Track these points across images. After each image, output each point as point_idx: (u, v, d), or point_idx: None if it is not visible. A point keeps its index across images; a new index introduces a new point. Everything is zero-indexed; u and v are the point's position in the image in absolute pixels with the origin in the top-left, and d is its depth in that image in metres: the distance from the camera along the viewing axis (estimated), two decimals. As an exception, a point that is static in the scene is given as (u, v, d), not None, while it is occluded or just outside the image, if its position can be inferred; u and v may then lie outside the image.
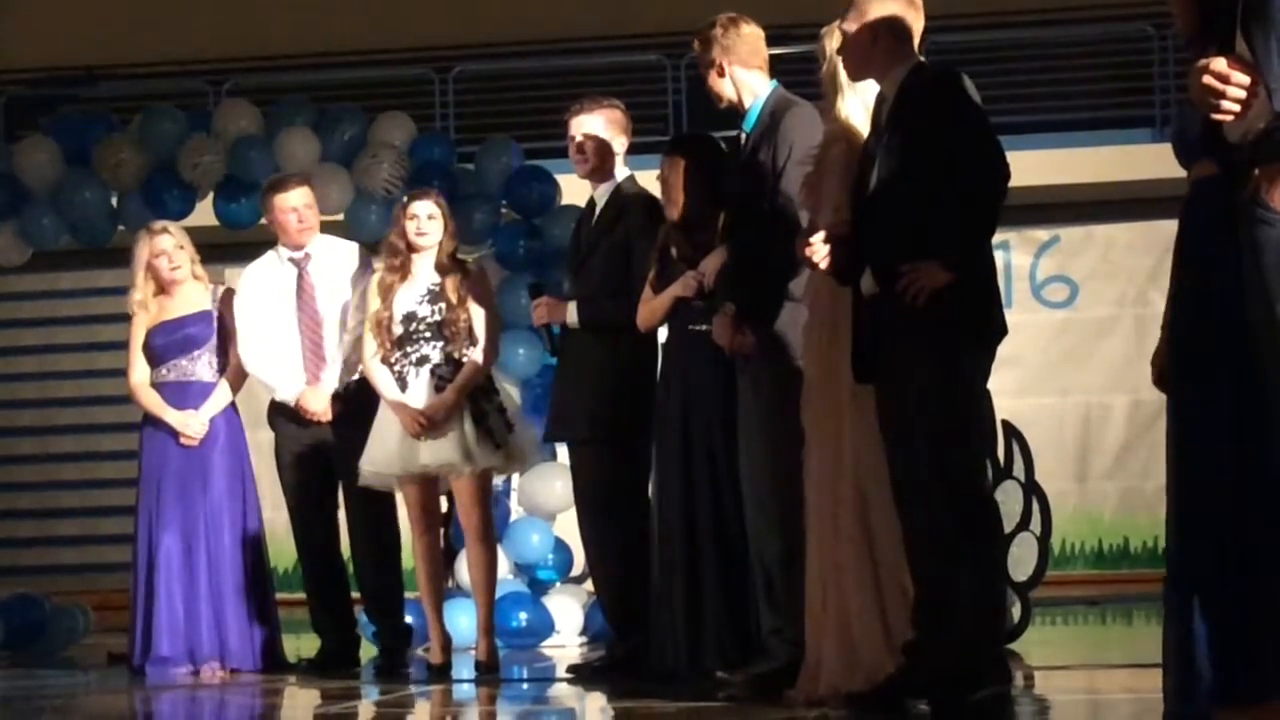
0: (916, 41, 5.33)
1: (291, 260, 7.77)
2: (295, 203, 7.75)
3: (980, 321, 5.12)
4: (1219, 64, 3.88)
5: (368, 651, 7.91)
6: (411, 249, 7.20)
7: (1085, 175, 13.68)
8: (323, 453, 7.69)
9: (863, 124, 5.51)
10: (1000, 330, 5.17)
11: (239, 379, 7.79)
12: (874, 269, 5.11)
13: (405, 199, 7.34)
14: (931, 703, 5.06)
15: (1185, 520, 4.30)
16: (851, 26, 5.30)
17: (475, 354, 7.16)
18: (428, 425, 7.05)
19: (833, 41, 5.57)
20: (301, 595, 7.95)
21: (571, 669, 7.08)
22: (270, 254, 7.84)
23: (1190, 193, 4.37)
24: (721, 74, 6.16)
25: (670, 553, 6.58)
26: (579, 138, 7.17)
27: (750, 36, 6.18)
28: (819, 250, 5.30)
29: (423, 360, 7.15)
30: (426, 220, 7.20)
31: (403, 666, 7.63)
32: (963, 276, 5.01)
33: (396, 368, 7.16)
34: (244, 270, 7.92)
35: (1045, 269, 14.36)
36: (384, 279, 7.21)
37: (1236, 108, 3.89)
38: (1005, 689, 5.16)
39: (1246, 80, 3.87)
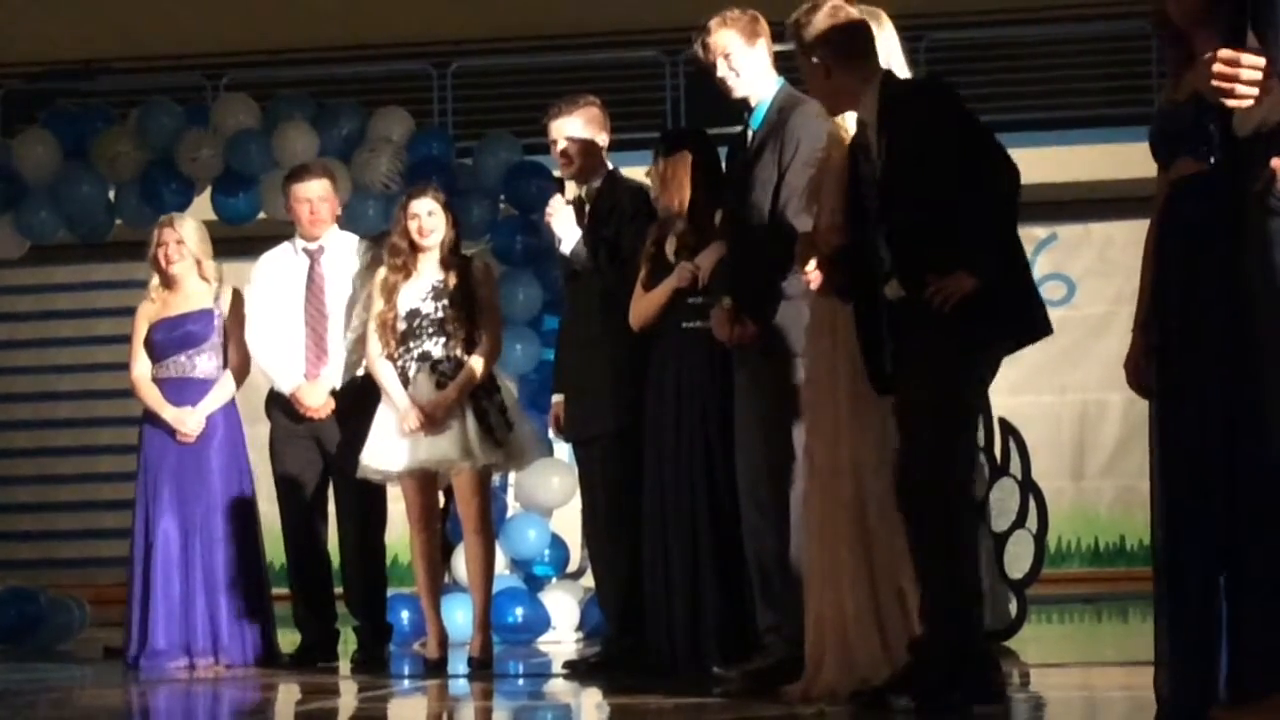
0: (880, 45, 5.26)
1: (305, 251, 7.81)
2: (309, 194, 7.77)
3: (1016, 317, 5.10)
4: (1226, 52, 3.88)
5: (345, 647, 7.93)
6: (415, 248, 7.20)
7: (1083, 173, 13.70)
8: (317, 447, 7.72)
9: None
10: (1042, 325, 5.14)
11: (241, 375, 7.79)
12: (904, 281, 5.06)
13: (405, 197, 7.33)
14: (916, 700, 5.05)
15: (1174, 518, 4.30)
16: (803, 64, 5.22)
17: (478, 351, 7.16)
18: (428, 422, 7.05)
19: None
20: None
21: (567, 665, 7.08)
22: (286, 244, 7.88)
23: (1171, 191, 4.34)
24: (732, 66, 6.16)
25: (668, 550, 6.58)
26: (561, 142, 7.19)
27: (764, 33, 6.20)
28: (814, 278, 5.31)
29: (424, 356, 7.14)
30: (428, 217, 7.20)
31: (382, 663, 7.65)
32: (992, 279, 4.97)
33: (399, 363, 7.16)
34: (245, 262, 7.95)
35: (1042, 267, 14.37)
36: (387, 279, 7.21)
37: (1253, 91, 3.88)
38: (999, 688, 5.15)
39: (1260, 61, 3.86)
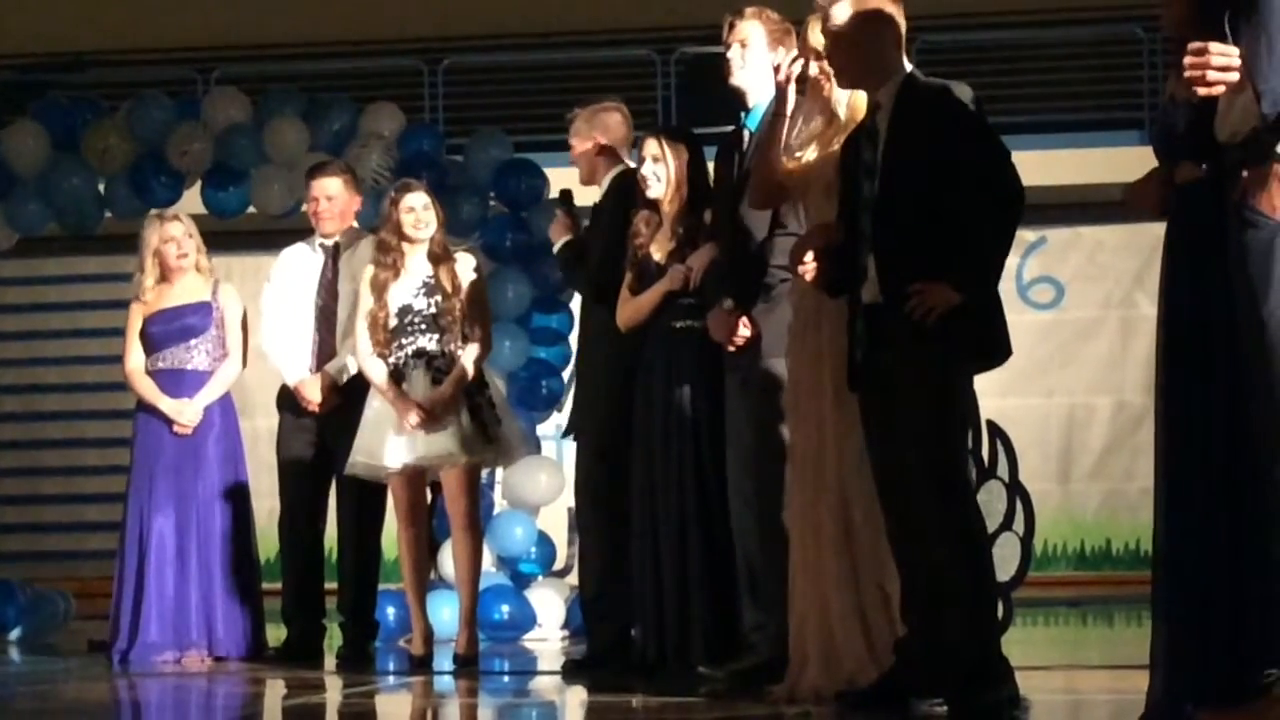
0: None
1: (322, 247, 7.85)
2: (317, 191, 7.84)
3: (986, 343, 5.09)
4: (1195, 44, 3.92)
5: (330, 642, 7.92)
6: (406, 240, 7.18)
7: (1073, 177, 13.69)
8: (320, 442, 7.73)
9: (851, 124, 5.49)
10: (1005, 352, 5.14)
11: (237, 368, 7.79)
12: (883, 282, 5.08)
13: (394, 192, 7.32)
14: (949, 703, 5.05)
15: (1176, 519, 4.31)
16: (846, 24, 5.18)
17: (470, 347, 7.16)
18: (427, 419, 7.04)
19: (815, 34, 5.53)
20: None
21: (565, 667, 7.05)
22: (308, 240, 7.94)
23: (1176, 196, 4.36)
24: (744, 57, 6.15)
25: (656, 548, 6.58)
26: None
27: (790, 47, 6.18)
28: (809, 269, 5.29)
29: (420, 353, 7.13)
30: (423, 211, 7.20)
31: (367, 659, 7.65)
32: (974, 298, 4.98)
33: (392, 360, 7.15)
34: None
35: (1032, 270, 14.37)
36: (377, 276, 7.20)
37: (1224, 77, 3.91)
38: (1014, 691, 5.14)
39: (1229, 49, 3.90)
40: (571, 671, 6.89)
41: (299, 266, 7.89)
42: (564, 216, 7.28)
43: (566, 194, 7.38)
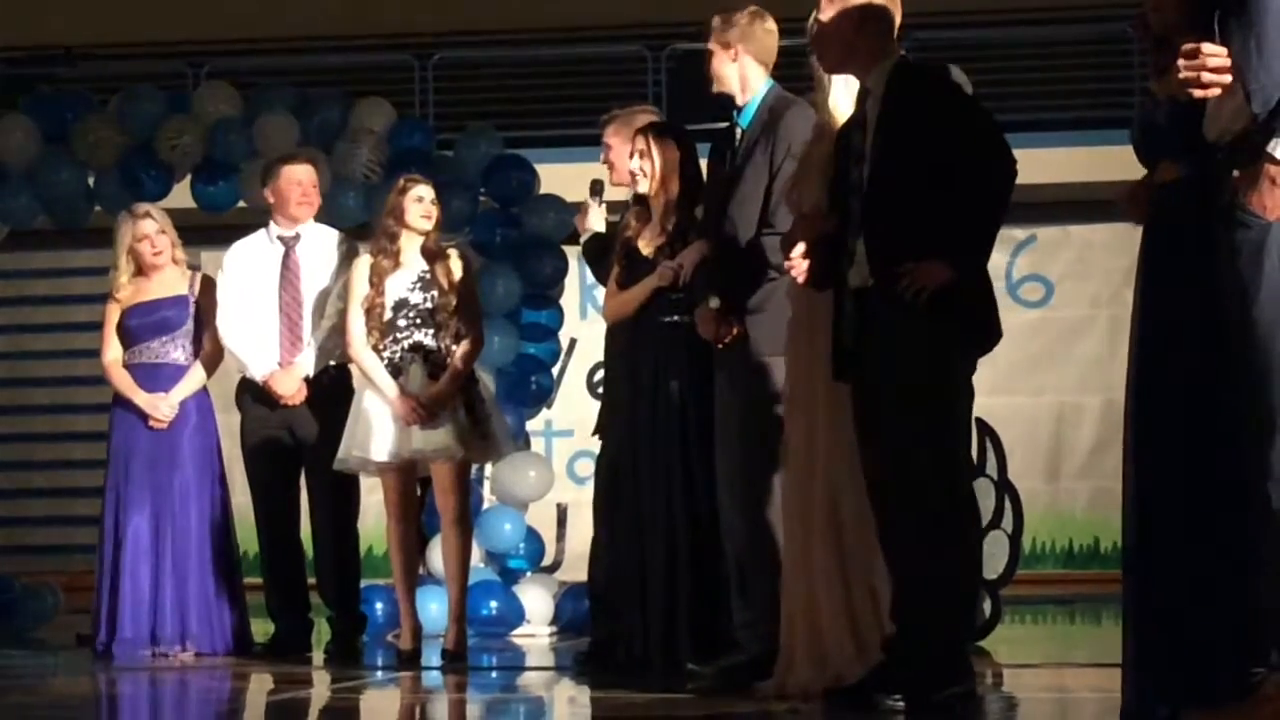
0: (896, 36, 5.30)
1: (280, 239, 7.78)
2: (302, 176, 7.76)
3: (978, 323, 5.09)
4: (1188, 46, 3.93)
5: (319, 637, 7.93)
6: (408, 229, 7.16)
7: (1063, 175, 13.69)
8: (290, 437, 7.69)
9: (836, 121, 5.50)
10: (997, 333, 5.14)
11: (214, 362, 7.78)
12: (873, 265, 5.08)
13: (402, 181, 7.29)
14: (905, 700, 5.06)
15: (1144, 520, 4.32)
16: (830, 14, 5.22)
17: (465, 343, 7.15)
18: (425, 415, 7.02)
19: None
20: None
21: (577, 659, 7.04)
22: (261, 232, 7.85)
23: (1155, 196, 4.37)
24: (734, 59, 6.14)
25: (643, 544, 6.58)
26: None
27: (770, 36, 6.17)
28: (798, 266, 5.29)
29: (416, 347, 7.12)
30: (431, 204, 7.20)
31: (355, 653, 7.64)
32: (965, 276, 4.98)
33: (387, 354, 7.14)
34: (224, 251, 7.93)
35: (1021, 268, 14.37)
36: (379, 264, 7.18)
37: (1220, 79, 3.92)
38: (970, 687, 5.16)
39: (1222, 51, 3.91)
40: (582, 665, 6.84)
41: (255, 259, 7.79)
42: (594, 206, 7.31)
43: (599, 185, 7.41)
